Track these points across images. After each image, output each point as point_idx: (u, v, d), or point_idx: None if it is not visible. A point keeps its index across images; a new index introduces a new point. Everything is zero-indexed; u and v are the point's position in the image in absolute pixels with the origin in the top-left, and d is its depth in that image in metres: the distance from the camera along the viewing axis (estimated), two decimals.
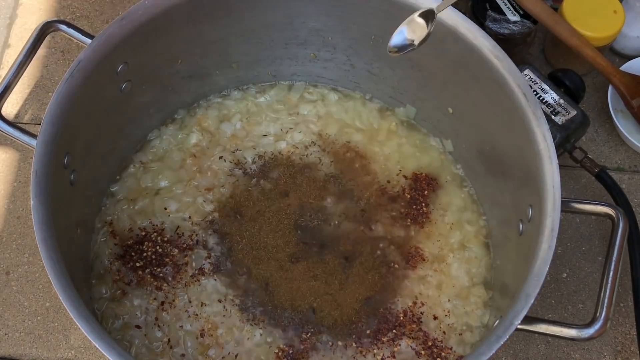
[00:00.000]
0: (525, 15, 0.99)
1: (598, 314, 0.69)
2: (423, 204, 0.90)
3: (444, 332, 0.83)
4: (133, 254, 0.86)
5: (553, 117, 0.93)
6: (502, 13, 1.00)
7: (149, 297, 0.84)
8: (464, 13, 0.79)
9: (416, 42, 0.69)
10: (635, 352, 0.90)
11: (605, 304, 0.69)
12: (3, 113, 0.79)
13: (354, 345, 0.81)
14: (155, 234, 0.87)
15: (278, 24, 0.89)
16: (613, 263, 0.71)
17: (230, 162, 0.92)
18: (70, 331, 0.91)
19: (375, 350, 0.81)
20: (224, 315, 0.83)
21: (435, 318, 0.83)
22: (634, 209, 0.93)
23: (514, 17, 0.99)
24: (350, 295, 0.84)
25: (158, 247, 0.86)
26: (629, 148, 1.02)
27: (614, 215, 0.73)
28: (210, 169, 0.92)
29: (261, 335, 0.82)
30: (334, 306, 0.83)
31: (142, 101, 0.89)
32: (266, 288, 0.84)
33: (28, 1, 1.15)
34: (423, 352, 0.81)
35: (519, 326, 0.66)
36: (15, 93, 1.06)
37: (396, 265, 0.86)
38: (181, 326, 0.82)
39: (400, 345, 0.81)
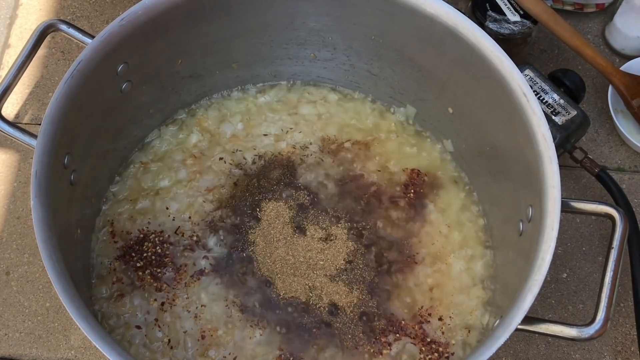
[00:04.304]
0: (525, 15, 0.99)
1: (598, 314, 0.69)
2: (423, 204, 0.90)
3: (444, 332, 0.83)
4: (133, 254, 0.86)
5: (553, 117, 0.93)
6: (502, 13, 1.00)
7: (149, 297, 0.84)
8: (464, 13, 0.79)
9: None
10: (636, 352, 0.90)
11: (605, 304, 0.69)
12: (3, 113, 0.79)
13: (354, 345, 0.81)
14: (155, 234, 0.87)
15: (278, 24, 0.89)
16: (613, 263, 0.71)
17: (231, 162, 0.92)
18: (70, 331, 0.91)
19: (375, 350, 0.81)
20: (224, 316, 0.83)
21: (435, 318, 0.83)
22: (634, 209, 0.93)
23: (514, 17, 0.99)
24: (350, 295, 0.84)
25: (158, 248, 0.86)
26: (629, 148, 1.02)
27: (614, 215, 0.73)
28: (210, 169, 0.92)
29: (261, 335, 0.82)
30: (334, 307, 0.83)
31: (142, 101, 0.89)
32: (267, 288, 0.84)
33: (28, 1, 1.15)
34: (423, 349, 0.81)
35: (519, 326, 0.66)
36: (15, 93, 1.07)
37: (396, 266, 0.86)
38: (181, 327, 0.82)
39: (400, 344, 0.81)
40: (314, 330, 0.82)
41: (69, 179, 0.78)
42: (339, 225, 0.88)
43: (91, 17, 1.13)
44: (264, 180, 0.91)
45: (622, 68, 1.02)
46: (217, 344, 0.82)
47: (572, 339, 0.69)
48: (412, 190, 0.90)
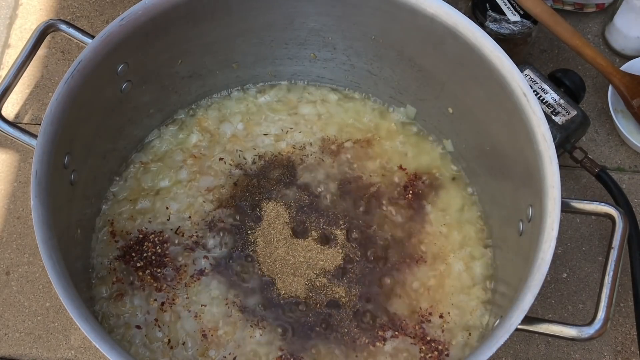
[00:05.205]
0: (525, 15, 0.99)
1: (598, 314, 0.69)
2: (423, 204, 0.90)
3: (443, 332, 0.83)
4: (133, 254, 0.86)
5: (553, 117, 0.93)
6: (502, 13, 1.00)
7: (149, 297, 0.84)
8: (464, 13, 0.79)
9: None
10: (636, 352, 0.90)
11: (605, 304, 0.69)
12: (3, 113, 0.79)
13: (354, 344, 0.81)
14: (155, 234, 0.87)
15: (278, 24, 0.89)
16: (613, 263, 0.71)
17: (231, 162, 0.92)
18: (70, 331, 0.91)
19: (374, 350, 0.81)
20: (224, 316, 0.83)
21: (435, 318, 0.83)
22: (634, 209, 0.93)
23: (514, 17, 0.99)
24: (350, 295, 0.84)
25: (158, 248, 0.86)
26: (629, 148, 1.02)
27: (614, 215, 0.73)
28: (210, 169, 0.92)
29: (261, 335, 0.82)
30: (334, 306, 0.83)
31: (142, 101, 0.89)
32: (267, 288, 0.84)
33: (28, 1, 1.15)
34: (423, 347, 0.81)
35: (519, 326, 0.66)
36: (16, 93, 1.07)
37: (396, 266, 0.86)
38: (181, 327, 0.82)
39: (399, 344, 0.81)
40: (315, 329, 0.82)
41: (69, 179, 0.78)
42: (339, 225, 0.88)
43: (91, 17, 1.13)
44: (264, 180, 0.91)
45: (622, 68, 1.02)
46: (217, 344, 0.82)
47: (572, 339, 0.69)
48: (412, 191, 0.90)
